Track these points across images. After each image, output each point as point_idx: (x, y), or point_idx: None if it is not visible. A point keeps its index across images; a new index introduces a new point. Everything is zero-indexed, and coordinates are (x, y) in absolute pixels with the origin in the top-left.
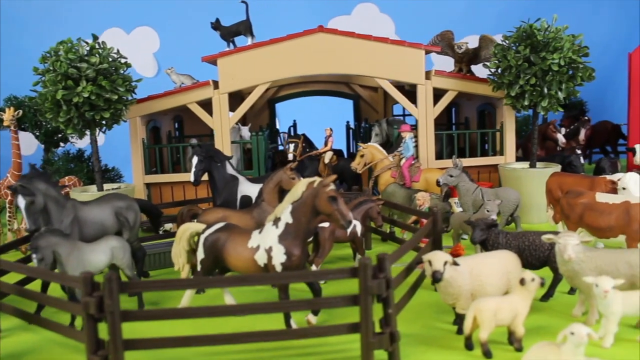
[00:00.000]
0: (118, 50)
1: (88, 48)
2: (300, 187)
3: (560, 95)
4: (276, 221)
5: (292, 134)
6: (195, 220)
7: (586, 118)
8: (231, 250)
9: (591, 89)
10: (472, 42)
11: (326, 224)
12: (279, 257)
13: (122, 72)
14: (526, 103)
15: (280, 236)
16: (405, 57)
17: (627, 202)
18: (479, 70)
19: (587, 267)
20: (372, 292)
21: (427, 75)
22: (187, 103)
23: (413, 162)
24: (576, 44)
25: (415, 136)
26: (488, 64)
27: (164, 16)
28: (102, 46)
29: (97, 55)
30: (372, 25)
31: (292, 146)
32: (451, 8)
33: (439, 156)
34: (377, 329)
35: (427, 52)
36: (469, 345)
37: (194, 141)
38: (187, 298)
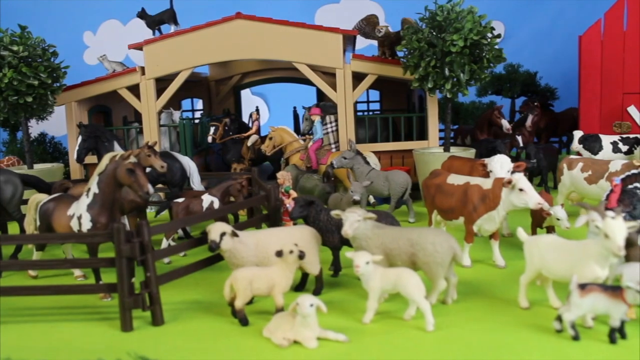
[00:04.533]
0: (44, 40)
1: (17, 38)
2: (104, 160)
3: (463, 77)
4: (87, 191)
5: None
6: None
7: (536, 104)
8: (56, 218)
9: (564, 75)
10: None
11: (180, 200)
12: (86, 224)
13: (52, 59)
14: (430, 86)
15: (88, 205)
16: (323, 42)
17: (467, 183)
18: None
19: (373, 244)
20: (124, 254)
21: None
22: (117, 88)
23: (322, 144)
24: (483, 25)
25: (336, 120)
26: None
27: (159, 7)
28: (27, 35)
29: (24, 44)
30: (361, 13)
31: (212, 129)
32: None
33: (373, 140)
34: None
35: (346, 37)
36: (233, 313)
37: (136, 124)
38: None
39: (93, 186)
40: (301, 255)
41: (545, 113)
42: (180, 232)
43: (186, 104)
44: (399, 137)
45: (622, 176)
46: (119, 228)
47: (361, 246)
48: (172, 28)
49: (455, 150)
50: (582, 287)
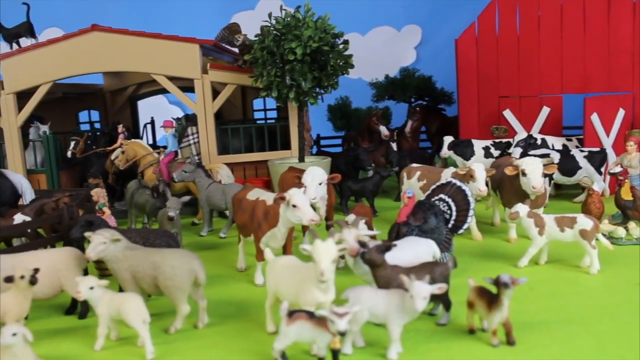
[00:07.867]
0: None
1: None
2: None
3: (305, 85)
4: None
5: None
6: None
7: (417, 109)
8: None
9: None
10: (376, 35)
11: None
12: None
13: None
14: (275, 95)
15: None
16: (180, 52)
17: (257, 198)
18: None
19: (123, 267)
20: None
21: (204, 69)
22: None
23: (175, 157)
24: (326, 32)
25: (197, 132)
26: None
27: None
28: None
29: None
30: None
31: (72, 143)
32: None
33: (247, 150)
34: None
35: (203, 47)
36: None
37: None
38: None
39: None
40: (32, 281)
41: (437, 117)
42: None
43: (83, 115)
44: (277, 146)
45: (433, 187)
46: None
47: (113, 269)
48: (29, 41)
49: (312, 159)
50: (290, 314)
